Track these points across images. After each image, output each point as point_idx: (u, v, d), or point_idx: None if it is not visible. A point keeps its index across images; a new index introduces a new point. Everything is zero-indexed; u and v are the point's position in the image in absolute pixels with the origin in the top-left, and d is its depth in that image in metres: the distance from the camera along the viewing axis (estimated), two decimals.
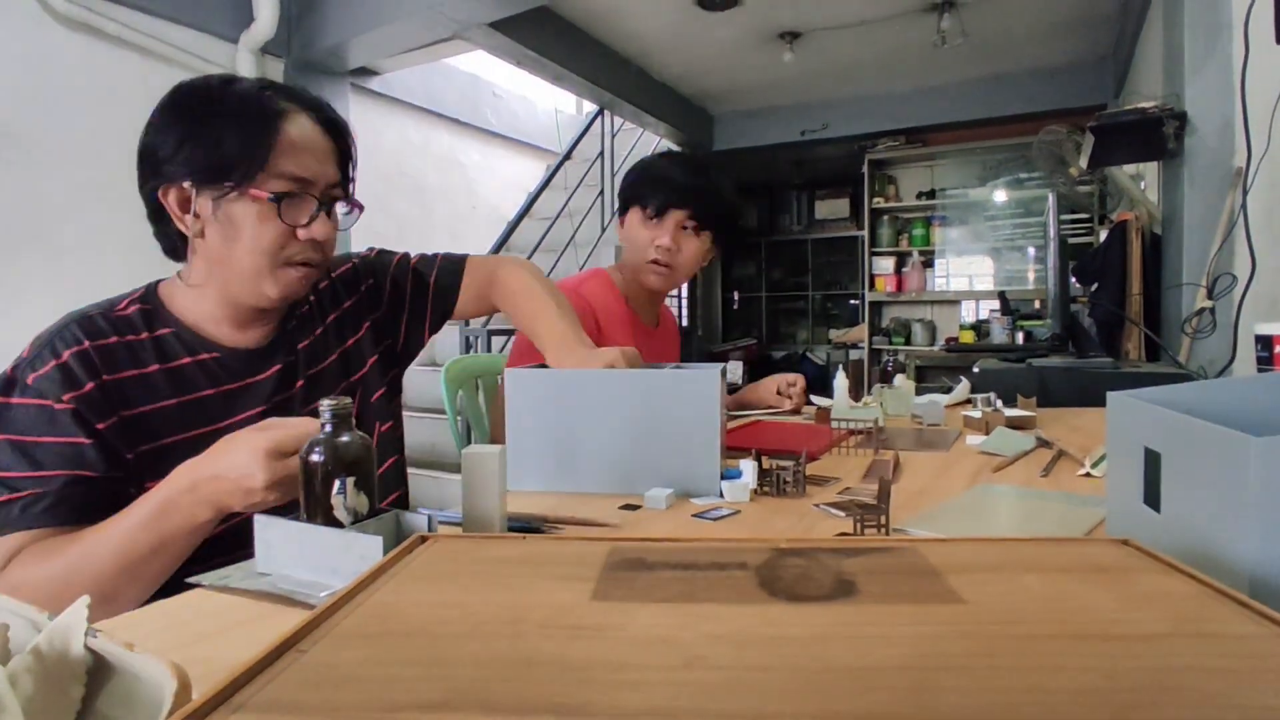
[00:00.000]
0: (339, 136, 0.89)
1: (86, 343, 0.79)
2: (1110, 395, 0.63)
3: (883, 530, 0.70)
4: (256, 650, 0.32)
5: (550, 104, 5.82)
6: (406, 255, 1.12)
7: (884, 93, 5.39)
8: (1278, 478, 0.43)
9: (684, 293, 7.86)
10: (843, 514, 0.80)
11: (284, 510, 0.65)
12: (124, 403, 0.78)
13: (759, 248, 8.24)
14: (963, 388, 1.78)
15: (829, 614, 0.37)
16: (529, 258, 4.63)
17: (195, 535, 0.71)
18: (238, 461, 0.66)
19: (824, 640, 0.34)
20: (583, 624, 0.37)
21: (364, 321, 1.04)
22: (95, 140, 2.90)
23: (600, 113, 5.19)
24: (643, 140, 5.54)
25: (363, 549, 0.57)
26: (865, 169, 6.03)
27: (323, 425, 0.62)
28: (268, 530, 0.62)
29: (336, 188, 0.88)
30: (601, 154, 5.18)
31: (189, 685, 0.32)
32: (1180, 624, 0.36)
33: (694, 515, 0.81)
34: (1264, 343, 0.97)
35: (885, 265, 6.21)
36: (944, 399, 1.64)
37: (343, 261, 1.06)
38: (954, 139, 5.75)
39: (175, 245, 0.88)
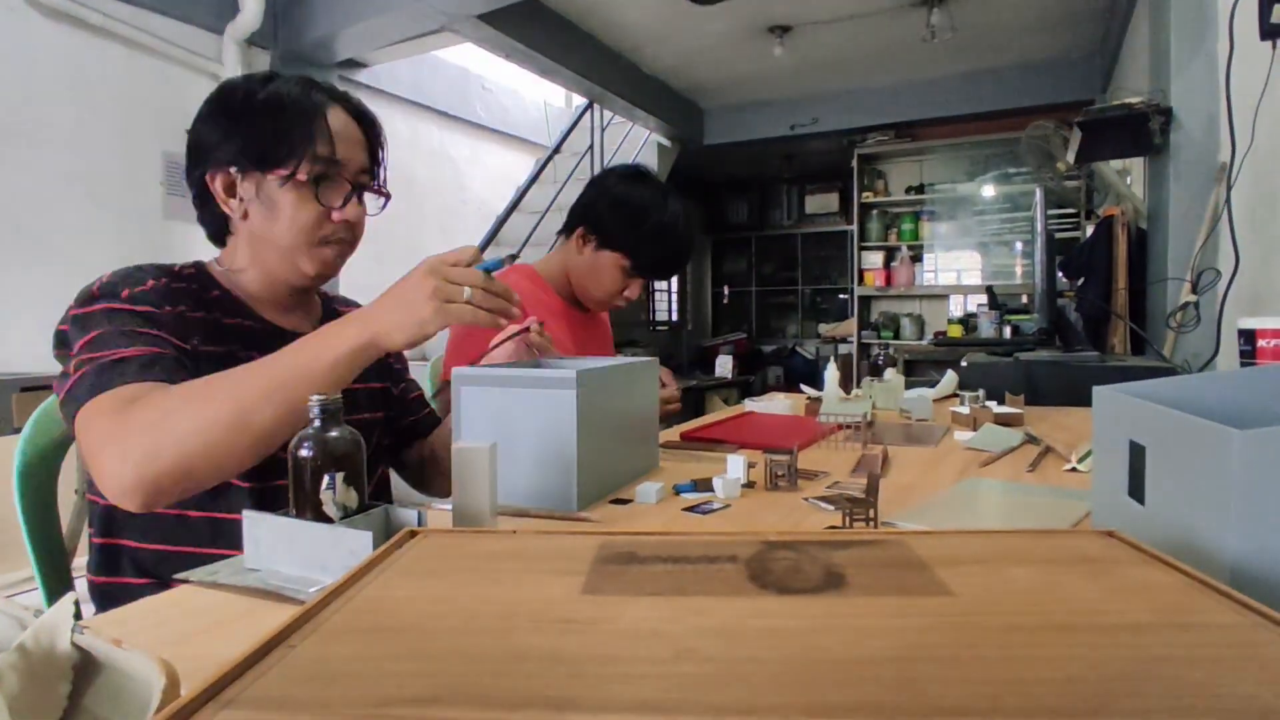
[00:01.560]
0: (369, 127, 0.95)
1: (164, 279, 0.85)
2: (1096, 389, 0.64)
3: (871, 523, 0.71)
4: (245, 646, 0.32)
5: (539, 97, 5.79)
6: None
7: (873, 87, 5.40)
8: (1259, 470, 0.44)
9: (674, 287, 7.86)
10: (832, 508, 0.80)
11: (272, 506, 0.65)
12: (193, 336, 0.84)
13: (749, 242, 8.24)
14: (948, 380, 1.79)
15: (818, 606, 0.38)
16: (518, 251, 4.64)
17: (333, 367, 0.75)
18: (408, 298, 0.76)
19: (813, 632, 0.35)
20: (573, 618, 0.37)
21: (383, 381, 1.09)
22: (79, 133, 2.87)
23: (590, 106, 5.17)
24: (633, 134, 5.52)
25: (352, 544, 0.57)
26: (854, 163, 6.05)
27: (311, 421, 0.62)
28: (256, 526, 0.62)
29: (365, 174, 0.94)
30: (591, 148, 5.16)
31: (177, 681, 0.32)
32: (1163, 614, 0.36)
33: (684, 510, 0.82)
34: (1247, 337, 0.98)
35: (874, 260, 6.23)
36: (931, 392, 1.65)
37: None
38: (943, 134, 5.77)
39: (219, 230, 0.94)
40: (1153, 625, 0.35)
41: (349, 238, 0.93)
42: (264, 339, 0.90)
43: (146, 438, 0.69)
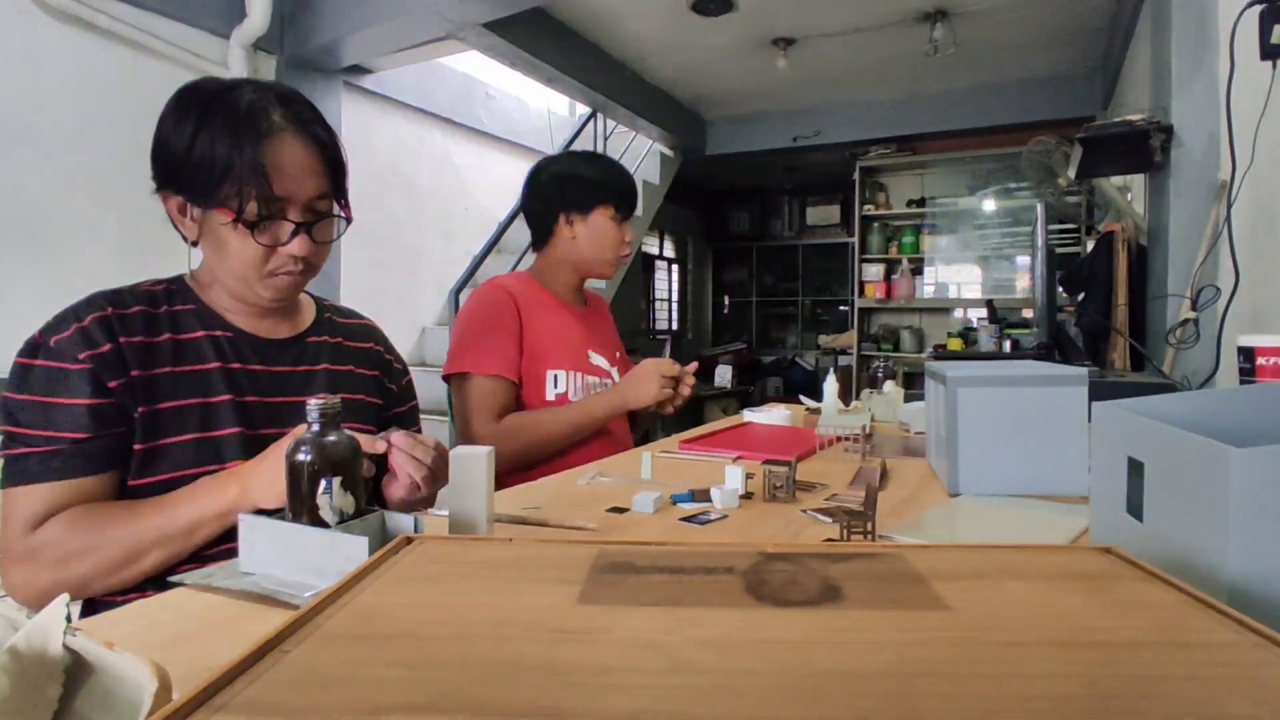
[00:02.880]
0: (324, 151, 0.89)
1: (110, 310, 0.84)
2: (1096, 405, 0.64)
3: (869, 536, 0.71)
4: (239, 650, 0.32)
5: (543, 105, 5.81)
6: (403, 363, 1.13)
7: (876, 100, 5.42)
8: (1258, 489, 0.43)
9: (674, 296, 7.87)
10: (830, 520, 0.80)
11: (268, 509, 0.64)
12: (135, 365, 0.83)
13: (750, 253, 8.26)
14: None
15: (814, 619, 0.38)
16: (519, 259, 4.66)
17: (218, 518, 0.76)
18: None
19: (809, 645, 0.34)
20: (569, 627, 0.36)
21: (372, 392, 1.04)
22: (85, 135, 2.87)
23: (593, 115, 5.19)
24: (635, 143, 5.54)
25: (348, 549, 0.57)
26: (856, 176, 6.07)
27: (310, 424, 0.62)
28: (252, 530, 0.62)
29: (323, 199, 0.89)
30: None
31: (169, 685, 0.32)
32: (1161, 632, 0.36)
33: (682, 519, 0.82)
34: (1246, 354, 0.98)
35: (875, 272, 6.24)
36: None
37: (365, 336, 1.07)
38: (944, 148, 5.79)
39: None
40: (1150, 643, 0.35)
41: (301, 268, 0.89)
42: (240, 348, 0.90)
43: (54, 574, 0.76)
